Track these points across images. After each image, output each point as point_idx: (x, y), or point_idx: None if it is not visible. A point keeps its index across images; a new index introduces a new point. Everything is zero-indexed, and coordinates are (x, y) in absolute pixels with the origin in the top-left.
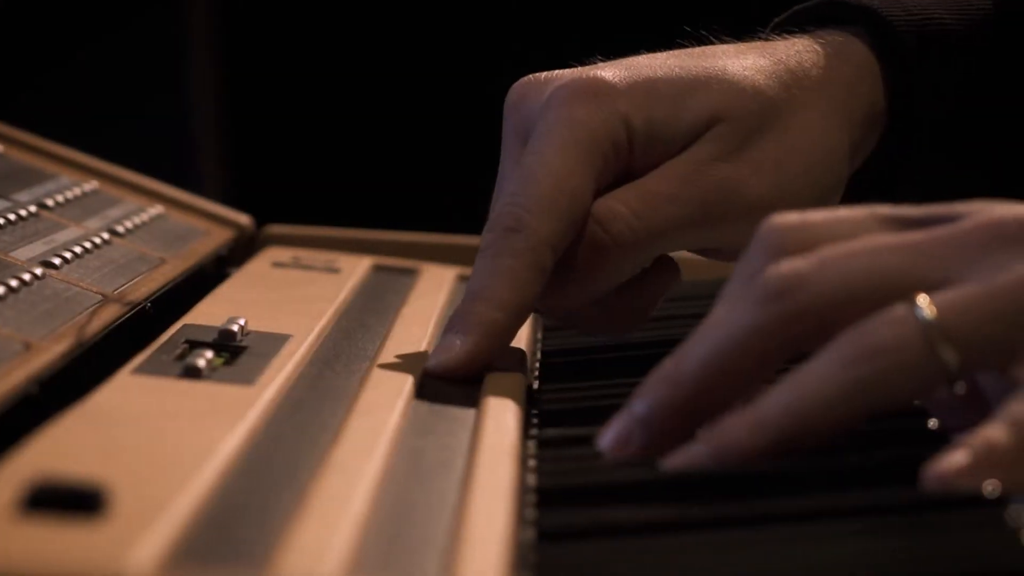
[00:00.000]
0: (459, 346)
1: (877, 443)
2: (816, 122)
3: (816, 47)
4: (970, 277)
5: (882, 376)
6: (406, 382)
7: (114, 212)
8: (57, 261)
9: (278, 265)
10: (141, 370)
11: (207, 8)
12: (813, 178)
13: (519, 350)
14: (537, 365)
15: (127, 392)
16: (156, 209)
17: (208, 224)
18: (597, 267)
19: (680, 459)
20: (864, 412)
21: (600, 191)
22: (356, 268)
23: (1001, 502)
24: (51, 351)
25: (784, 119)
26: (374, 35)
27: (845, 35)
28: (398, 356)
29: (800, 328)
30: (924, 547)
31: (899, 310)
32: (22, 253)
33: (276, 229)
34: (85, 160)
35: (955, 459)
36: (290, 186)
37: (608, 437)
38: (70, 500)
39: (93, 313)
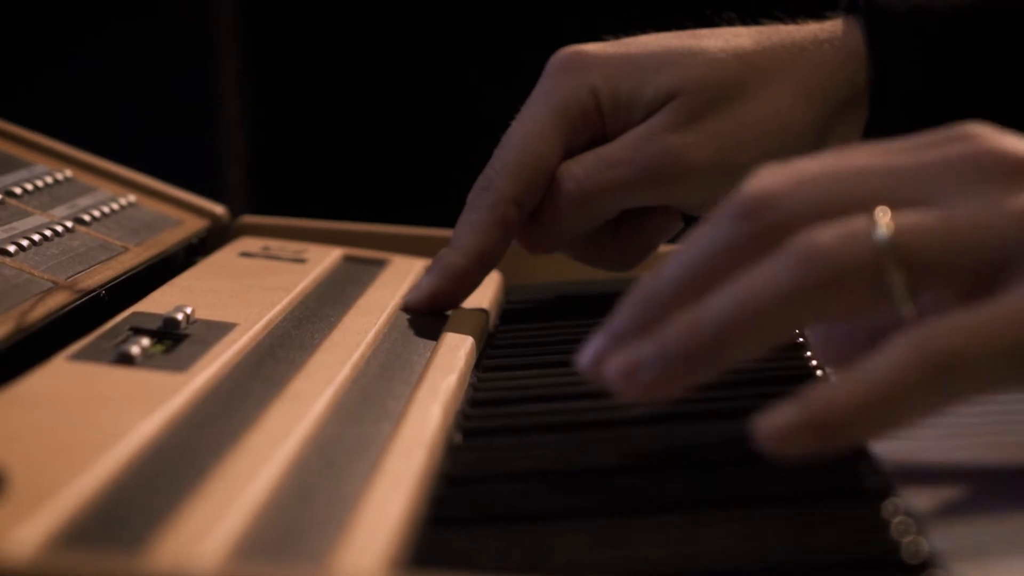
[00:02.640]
0: (424, 286)
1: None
2: (777, 99)
3: (813, 32)
4: (943, 204)
5: (826, 286)
6: (340, 371)
7: (84, 201)
8: (12, 248)
9: (245, 255)
10: (77, 356)
11: (231, 6)
12: (762, 148)
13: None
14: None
15: (56, 377)
16: (129, 198)
17: (182, 214)
18: (555, 218)
19: (623, 360)
20: (804, 321)
21: (572, 153)
22: (324, 259)
23: (883, 495)
24: None
25: (745, 95)
26: (397, 38)
27: (849, 22)
28: (341, 345)
29: (770, 244)
30: (795, 537)
31: (856, 223)
32: None
33: (250, 219)
34: (61, 148)
35: (782, 416)
36: (310, 182)
37: (587, 355)
38: None
39: (39, 300)
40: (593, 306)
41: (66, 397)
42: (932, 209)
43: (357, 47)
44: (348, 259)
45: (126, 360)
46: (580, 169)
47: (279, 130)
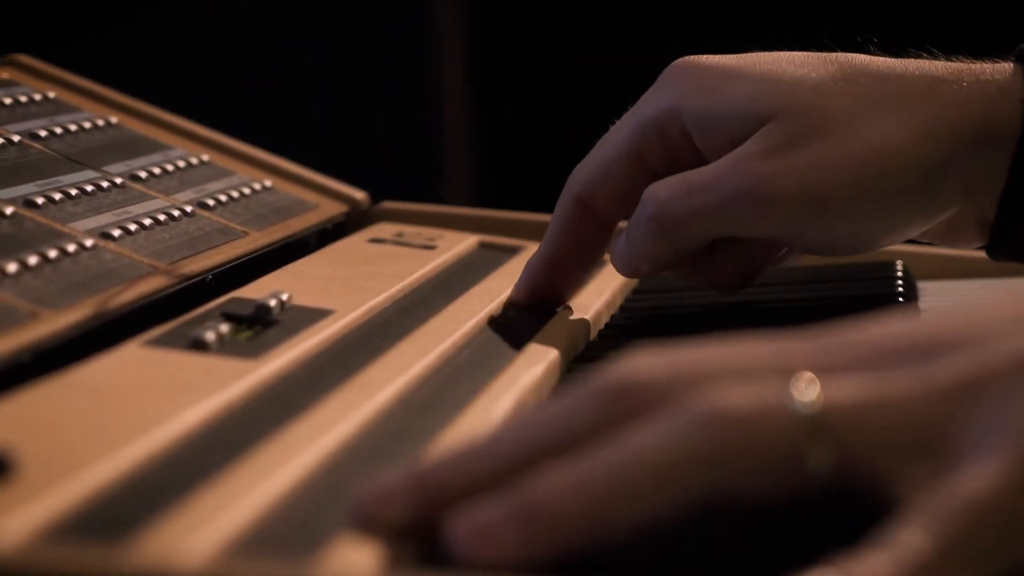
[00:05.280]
0: (519, 283)
1: None
2: (883, 131)
3: (958, 68)
4: (864, 377)
5: (732, 454)
6: (421, 360)
7: (216, 185)
8: (116, 233)
9: (375, 241)
10: (152, 341)
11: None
12: (858, 181)
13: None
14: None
15: (120, 363)
16: (265, 182)
17: (319, 198)
18: (645, 239)
19: (473, 517)
20: (696, 489)
21: (658, 168)
22: (455, 245)
23: None
24: (57, 322)
25: (847, 125)
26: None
27: (1004, 61)
28: (434, 334)
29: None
30: None
31: (770, 387)
32: (83, 224)
33: (391, 205)
34: (202, 132)
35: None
36: (531, 174)
37: (370, 493)
38: None
39: (130, 285)
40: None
41: (121, 383)
42: (858, 380)
43: (579, 38)
44: (483, 246)
45: (199, 346)
46: (664, 192)
47: (502, 124)
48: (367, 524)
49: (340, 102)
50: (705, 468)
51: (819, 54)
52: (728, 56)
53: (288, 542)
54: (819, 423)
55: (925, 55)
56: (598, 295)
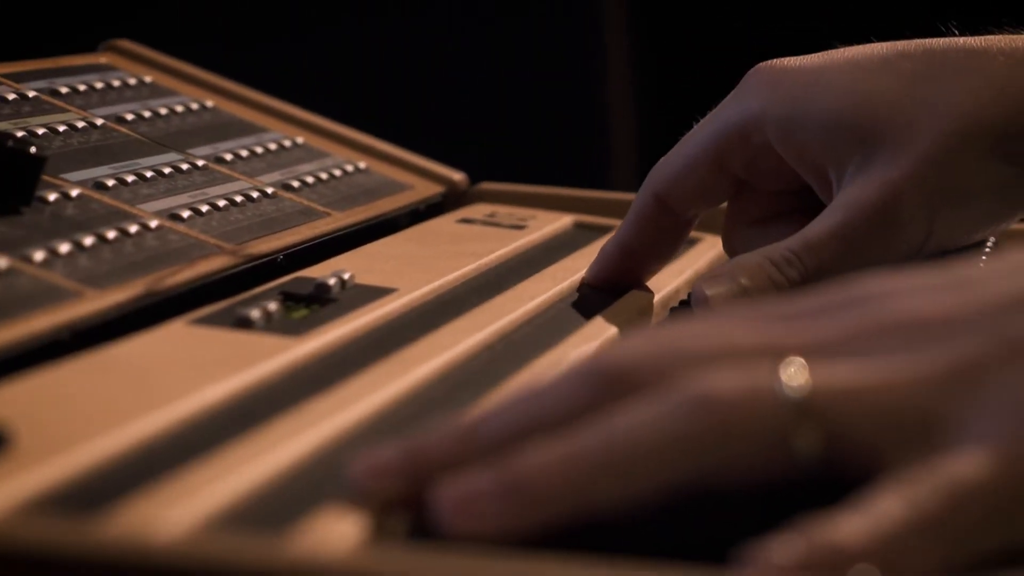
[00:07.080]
0: (591, 267)
1: None
2: (950, 144)
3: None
4: (855, 362)
5: (718, 437)
6: (471, 337)
7: (305, 166)
8: (186, 214)
9: (464, 221)
10: (199, 320)
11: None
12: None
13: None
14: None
15: (158, 341)
16: (359, 164)
17: (414, 179)
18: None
19: (459, 486)
20: (682, 470)
21: (738, 173)
22: (546, 226)
23: None
24: (100, 301)
25: (916, 137)
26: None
27: None
28: (493, 312)
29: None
30: None
31: (760, 371)
32: (153, 205)
33: (489, 186)
34: (298, 114)
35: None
36: None
37: (366, 463)
38: None
39: (189, 265)
40: None
41: (151, 360)
42: (848, 364)
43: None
44: (579, 226)
45: (244, 324)
46: (793, 256)
47: (669, 111)
48: (358, 498)
49: (498, 90)
50: (693, 450)
51: (900, 49)
52: (808, 59)
53: (273, 516)
54: (807, 408)
55: (1008, 30)
56: (679, 273)
